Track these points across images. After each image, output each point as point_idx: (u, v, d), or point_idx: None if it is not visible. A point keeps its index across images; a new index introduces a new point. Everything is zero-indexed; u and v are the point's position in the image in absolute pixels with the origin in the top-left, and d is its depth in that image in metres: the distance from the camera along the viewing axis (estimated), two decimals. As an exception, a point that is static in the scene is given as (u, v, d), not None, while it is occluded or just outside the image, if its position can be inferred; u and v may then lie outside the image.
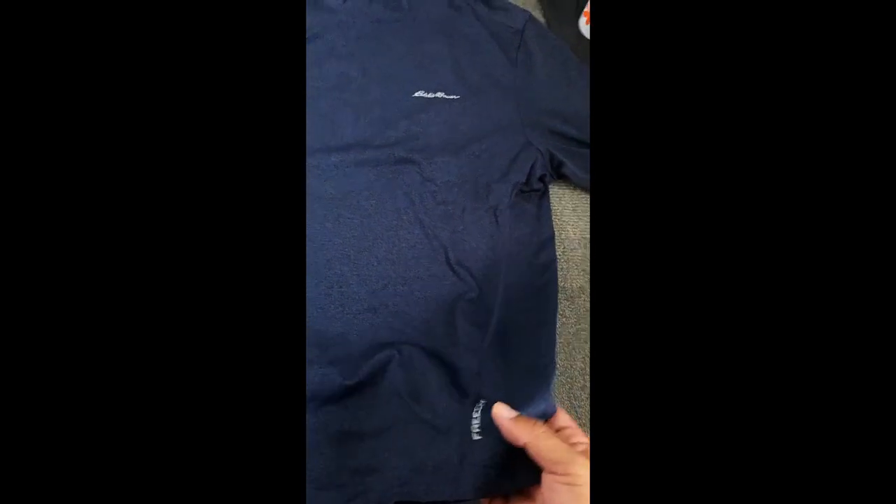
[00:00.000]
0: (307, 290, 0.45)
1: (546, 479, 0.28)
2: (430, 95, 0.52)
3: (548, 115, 0.53)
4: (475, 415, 0.39)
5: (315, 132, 0.50)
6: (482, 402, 0.40)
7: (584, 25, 0.64)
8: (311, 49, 0.52)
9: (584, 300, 0.51)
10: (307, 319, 0.44)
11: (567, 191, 0.55)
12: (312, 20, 0.53)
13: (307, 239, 0.46)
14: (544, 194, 0.52)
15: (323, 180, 0.49)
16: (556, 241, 0.51)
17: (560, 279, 0.51)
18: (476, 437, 0.39)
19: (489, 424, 0.36)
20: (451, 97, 0.52)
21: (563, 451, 0.27)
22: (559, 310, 0.50)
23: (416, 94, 0.52)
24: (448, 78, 0.53)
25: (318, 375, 0.41)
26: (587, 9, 0.63)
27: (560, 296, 0.50)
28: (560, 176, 0.54)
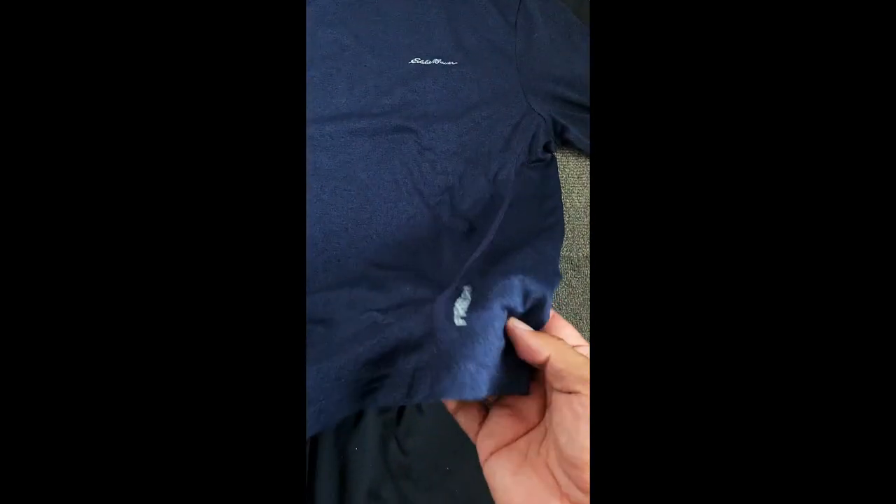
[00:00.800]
0: (306, 263, 0.43)
1: (566, 399, 0.24)
2: (427, 62, 0.50)
3: (550, 80, 0.51)
4: (459, 300, 0.31)
5: (308, 102, 0.48)
6: (467, 288, 0.31)
7: (586, -12, 0.61)
8: (302, 17, 0.50)
9: (592, 270, 0.49)
10: (306, 295, 0.43)
11: (572, 158, 0.53)
12: (303, -13, 0.51)
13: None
14: (550, 164, 0.51)
15: (318, 151, 0.47)
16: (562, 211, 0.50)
17: (566, 248, 0.49)
18: (460, 323, 0.30)
19: (477, 315, 0.29)
20: (449, 63, 0.51)
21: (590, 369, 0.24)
22: (566, 280, 0.49)
23: (413, 61, 0.50)
24: (445, 44, 0.51)
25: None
26: (589, -29, 0.61)
27: (566, 265, 0.49)
28: (564, 142, 0.52)
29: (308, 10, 0.51)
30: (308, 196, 0.46)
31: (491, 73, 0.51)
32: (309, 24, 0.50)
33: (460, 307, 0.30)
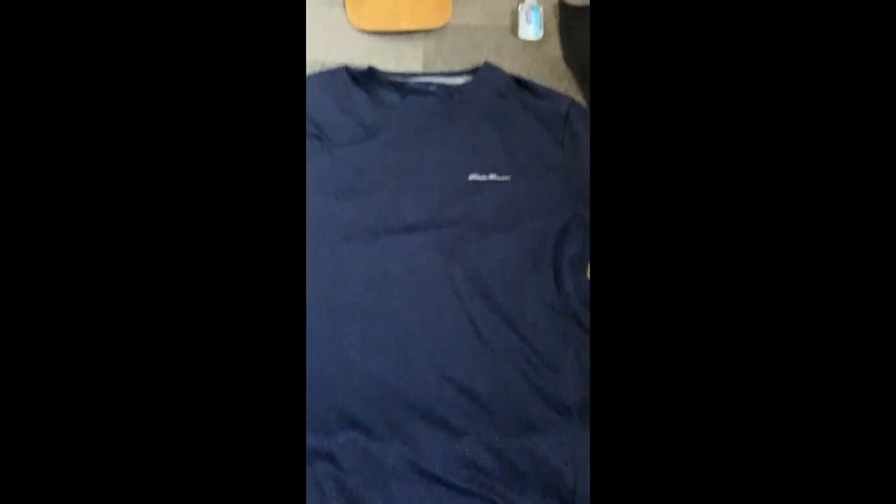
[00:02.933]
0: (375, 368, 0.47)
1: None
2: (483, 178, 0.57)
3: (595, 189, 0.56)
4: None
5: (380, 215, 0.55)
6: None
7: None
8: (374, 142, 0.58)
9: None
10: (375, 394, 0.47)
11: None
12: (375, 116, 0.59)
13: (375, 316, 0.50)
14: None
15: (390, 260, 0.53)
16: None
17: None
18: None
19: None
20: (503, 178, 0.57)
21: None
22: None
23: (471, 177, 0.57)
24: (499, 161, 0.57)
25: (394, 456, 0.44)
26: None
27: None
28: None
29: (380, 136, 0.58)
30: (380, 301, 0.51)
31: (541, 185, 0.56)
32: (380, 148, 0.58)
33: None
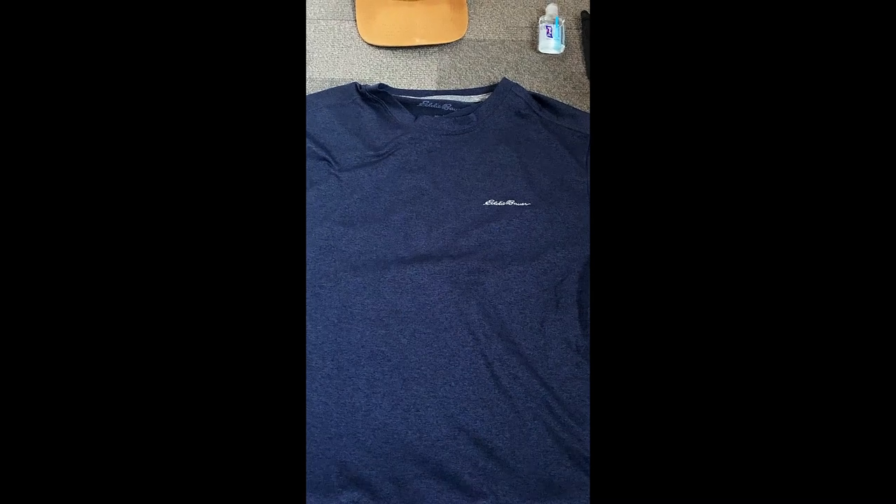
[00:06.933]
0: (382, 415, 0.43)
1: None
2: (501, 204, 0.53)
3: (623, 216, 0.52)
4: None
5: (390, 244, 0.51)
6: None
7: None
8: (385, 164, 0.54)
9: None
10: (382, 446, 0.42)
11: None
12: (386, 138, 0.55)
13: (383, 357, 0.46)
14: None
15: (399, 294, 0.49)
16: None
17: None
18: None
19: None
20: (522, 204, 0.52)
21: None
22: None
23: (487, 203, 0.53)
24: (518, 185, 0.53)
25: None
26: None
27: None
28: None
29: (391, 159, 0.55)
30: (388, 340, 0.47)
31: (564, 213, 0.52)
32: (391, 171, 0.54)
33: None
